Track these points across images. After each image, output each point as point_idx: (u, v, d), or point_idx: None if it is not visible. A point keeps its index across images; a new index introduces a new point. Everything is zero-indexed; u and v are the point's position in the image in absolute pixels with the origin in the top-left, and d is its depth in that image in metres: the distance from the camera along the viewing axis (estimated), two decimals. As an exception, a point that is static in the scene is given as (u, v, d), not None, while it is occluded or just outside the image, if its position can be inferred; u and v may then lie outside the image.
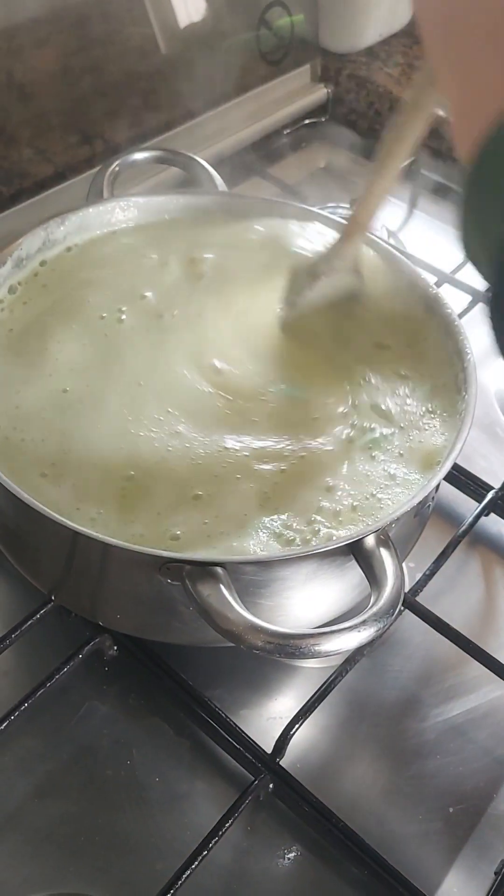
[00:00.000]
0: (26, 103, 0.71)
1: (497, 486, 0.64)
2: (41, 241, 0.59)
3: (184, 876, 0.43)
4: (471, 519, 0.61)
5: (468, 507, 0.63)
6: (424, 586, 0.57)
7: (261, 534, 0.46)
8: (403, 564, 0.55)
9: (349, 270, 0.58)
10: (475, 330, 0.56)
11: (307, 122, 1.00)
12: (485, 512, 0.63)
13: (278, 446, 0.50)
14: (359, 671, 0.53)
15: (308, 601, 0.48)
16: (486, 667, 0.54)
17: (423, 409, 0.54)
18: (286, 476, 0.48)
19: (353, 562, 0.43)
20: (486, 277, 0.29)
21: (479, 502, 0.63)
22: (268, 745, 0.49)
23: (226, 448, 0.49)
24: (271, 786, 0.49)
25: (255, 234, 0.63)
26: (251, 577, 0.43)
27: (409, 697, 0.55)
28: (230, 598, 0.39)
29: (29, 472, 0.46)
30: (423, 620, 0.55)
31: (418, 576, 0.57)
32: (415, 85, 0.49)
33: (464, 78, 0.30)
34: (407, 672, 0.56)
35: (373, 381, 0.55)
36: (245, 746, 0.50)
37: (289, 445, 0.50)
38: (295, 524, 0.47)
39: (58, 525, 0.42)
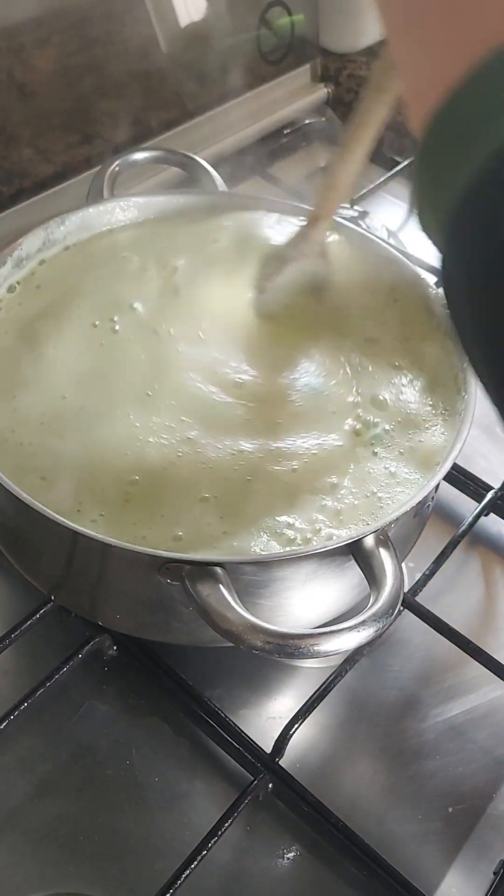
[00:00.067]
0: (27, 103, 0.71)
1: (497, 486, 0.64)
2: (41, 241, 0.59)
3: (183, 875, 0.43)
4: (470, 519, 0.61)
5: (468, 507, 0.63)
6: (424, 586, 0.57)
7: (263, 534, 0.46)
8: (403, 564, 0.55)
9: (317, 255, 0.58)
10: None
11: (307, 122, 1.00)
12: (484, 512, 0.63)
13: (294, 445, 0.50)
14: (358, 671, 0.53)
15: (307, 601, 0.48)
16: (486, 667, 0.54)
17: (423, 402, 0.54)
18: (297, 475, 0.49)
19: (353, 562, 0.44)
20: (437, 248, 0.30)
21: (479, 502, 0.63)
22: (267, 745, 0.49)
23: (240, 451, 0.49)
24: (270, 785, 0.49)
25: (226, 232, 0.63)
26: (251, 577, 0.43)
27: (408, 697, 0.55)
28: (229, 598, 0.39)
29: (28, 475, 0.46)
30: (423, 620, 0.56)
31: (418, 576, 0.57)
32: (376, 69, 0.49)
33: (417, 55, 0.31)
34: (406, 672, 0.56)
35: (370, 368, 0.56)
36: (244, 746, 0.50)
37: (304, 443, 0.50)
38: (297, 523, 0.47)
39: (57, 525, 0.42)
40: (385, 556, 0.43)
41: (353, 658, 0.53)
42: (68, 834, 0.47)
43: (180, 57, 0.80)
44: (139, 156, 0.68)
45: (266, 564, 0.44)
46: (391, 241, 0.79)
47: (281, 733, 0.49)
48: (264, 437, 0.50)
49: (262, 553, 0.45)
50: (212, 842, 0.45)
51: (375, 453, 0.51)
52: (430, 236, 0.30)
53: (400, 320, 0.58)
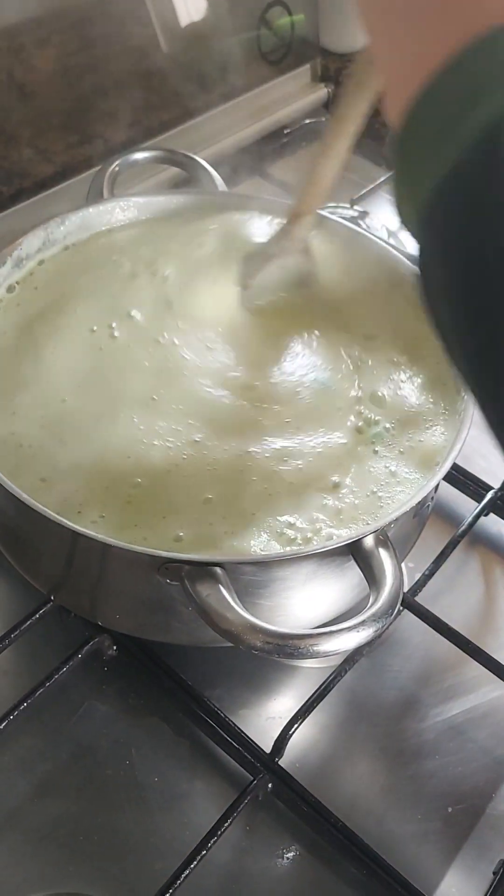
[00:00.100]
0: (27, 103, 0.71)
1: (496, 486, 0.64)
2: (41, 241, 0.59)
3: (183, 875, 0.43)
4: (470, 519, 0.61)
5: (468, 507, 0.63)
6: (423, 586, 0.57)
7: (263, 533, 0.46)
8: (403, 564, 0.55)
9: (300, 252, 0.58)
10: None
11: (307, 122, 1.00)
12: (484, 512, 0.63)
13: (302, 444, 0.50)
14: (358, 671, 0.53)
15: (307, 601, 0.48)
16: (486, 667, 0.54)
17: (423, 400, 0.54)
18: (302, 474, 0.49)
19: (353, 562, 0.44)
20: (415, 237, 0.30)
21: (479, 502, 0.63)
22: (267, 745, 0.49)
23: (247, 452, 0.49)
24: (270, 785, 0.49)
25: (212, 235, 0.63)
26: (250, 577, 0.43)
27: (408, 697, 0.55)
28: (229, 599, 0.39)
29: (28, 477, 0.46)
30: (423, 620, 0.56)
31: (417, 576, 0.57)
32: (356, 64, 0.49)
33: (393, 48, 0.31)
34: (406, 672, 0.56)
35: (370, 363, 0.56)
36: (244, 746, 0.50)
37: (311, 441, 0.51)
38: (298, 523, 0.47)
39: (57, 525, 0.42)
40: (385, 557, 0.43)
41: (352, 658, 0.53)
42: (68, 834, 0.47)
43: (180, 57, 0.80)
44: (139, 156, 0.68)
45: (265, 564, 0.44)
46: (391, 240, 0.78)
47: (280, 733, 0.49)
48: (273, 436, 0.50)
49: (262, 553, 0.45)
50: (211, 842, 0.45)
51: (376, 451, 0.51)
52: (409, 229, 0.31)
53: (399, 318, 0.58)
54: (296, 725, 0.49)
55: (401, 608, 0.55)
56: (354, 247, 0.62)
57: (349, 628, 0.39)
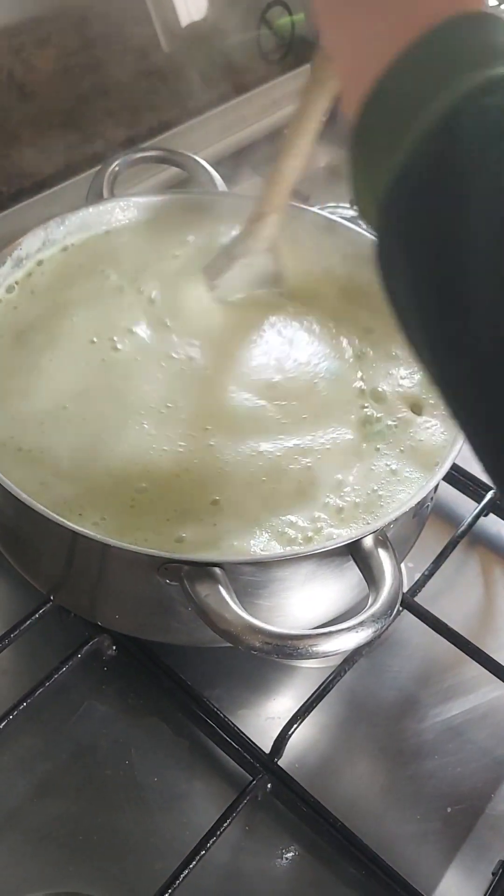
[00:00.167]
0: (27, 102, 0.71)
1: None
2: (41, 240, 0.59)
3: (182, 875, 0.43)
4: (469, 519, 0.61)
5: (467, 507, 0.63)
6: (423, 587, 0.57)
7: (265, 533, 0.46)
8: (402, 565, 0.55)
9: (267, 252, 0.58)
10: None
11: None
12: (484, 512, 0.63)
13: (314, 440, 0.51)
14: (357, 671, 0.53)
15: (306, 601, 0.48)
16: (485, 667, 0.54)
17: (423, 397, 0.55)
18: (310, 472, 0.49)
19: (352, 562, 0.44)
20: (372, 226, 0.30)
21: (478, 502, 0.63)
22: (266, 745, 0.49)
23: (259, 452, 0.50)
24: (269, 786, 0.49)
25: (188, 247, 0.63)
26: (249, 577, 0.43)
27: (407, 698, 0.55)
28: (228, 599, 0.39)
29: (27, 479, 0.46)
30: (422, 621, 0.56)
31: (417, 576, 0.57)
32: (315, 62, 0.49)
33: (347, 44, 0.32)
34: (405, 672, 0.56)
35: (371, 354, 0.57)
36: (243, 746, 0.50)
37: (321, 437, 0.51)
38: (300, 522, 0.47)
39: (57, 526, 0.42)
40: (384, 557, 0.43)
41: (352, 658, 0.53)
42: (67, 833, 0.47)
43: (180, 57, 0.80)
44: (139, 156, 0.68)
45: (265, 565, 0.44)
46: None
47: (280, 733, 0.49)
48: (288, 433, 0.51)
49: (261, 553, 0.45)
50: (211, 842, 0.45)
51: (378, 449, 0.51)
52: (366, 218, 0.31)
53: None
54: (295, 726, 0.49)
55: (400, 608, 0.55)
56: (353, 245, 0.62)
57: (348, 629, 0.39)
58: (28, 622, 0.52)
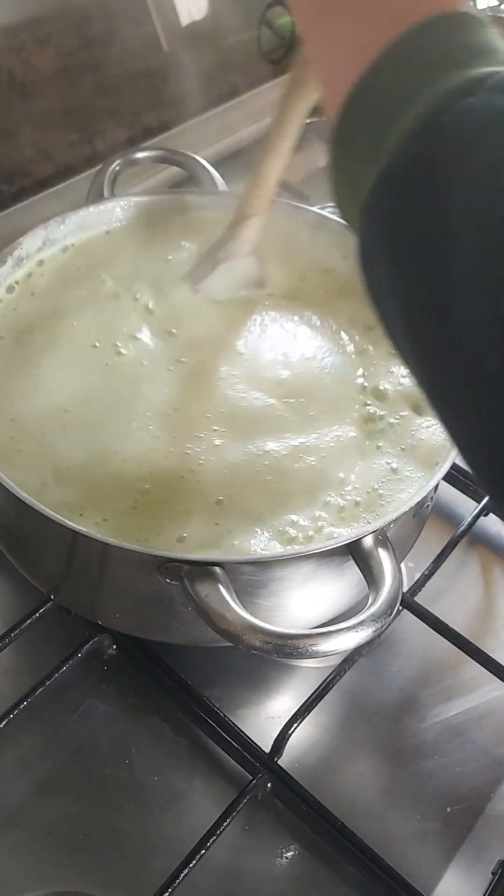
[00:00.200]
0: (27, 102, 0.71)
1: (496, 486, 0.64)
2: (41, 240, 0.59)
3: (182, 874, 0.43)
4: (469, 519, 0.61)
5: (467, 507, 0.63)
6: (423, 586, 0.57)
7: (266, 533, 0.46)
8: (402, 564, 0.55)
9: (249, 254, 0.58)
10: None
11: (307, 121, 0.99)
12: (484, 512, 0.63)
13: (319, 438, 0.51)
14: (357, 671, 0.53)
15: (306, 601, 0.48)
16: (485, 667, 0.54)
17: (423, 396, 0.54)
18: (314, 471, 0.49)
19: (352, 562, 0.44)
20: (354, 226, 0.30)
21: (478, 502, 0.63)
22: (266, 745, 0.49)
23: (266, 451, 0.50)
24: (269, 785, 0.49)
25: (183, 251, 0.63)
26: (249, 576, 0.43)
27: (407, 697, 0.55)
28: (228, 598, 0.40)
29: (27, 480, 0.46)
30: (422, 620, 0.56)
31: (417, 576, 0.57)
32: (295, 63, 0.50)
33: (326, 47, 0.32)
34: (405, 672, 0.56)
35: (371, 350, 0.57)
36: (243, 746, 0.50)
37: (327, 435, 0.51)
38: (301, 521, 0.47)
39: (58, 525, 0.42)
40: (384, 556, 0.43)
41: (351, 658, 0.53)
42: (68, 833, 0.47)
43: (180, 57, 0.80)
44: (139, 155, 0.68)
45: (265, 564, 0.44)
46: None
47: (280, 733, 0.49)
48: (294, 432, 0.51)
49: (261, 553, 0.45)
50: (210, 841, 0.45)
51: (379, 447, 0.51)
52: (348, 218, 0.31)
53: None
54: (295, 725, 0.50)
55: (400, 608, 0.55)
56: (353, 243, 0.62)
57: (348, 628, 0.39)
58: (28, 621, 0.52)
